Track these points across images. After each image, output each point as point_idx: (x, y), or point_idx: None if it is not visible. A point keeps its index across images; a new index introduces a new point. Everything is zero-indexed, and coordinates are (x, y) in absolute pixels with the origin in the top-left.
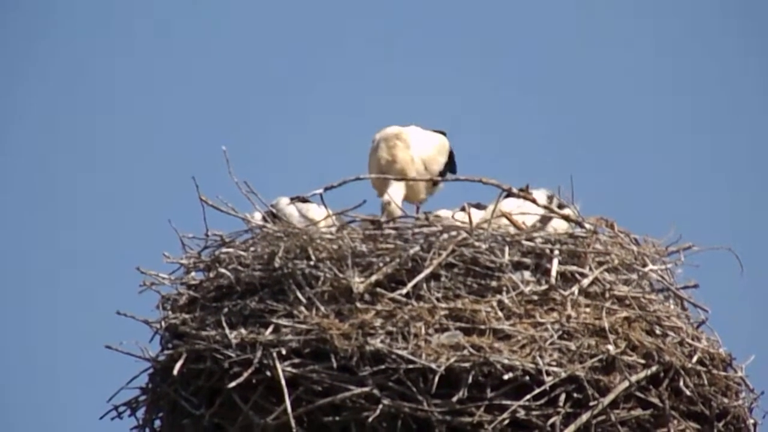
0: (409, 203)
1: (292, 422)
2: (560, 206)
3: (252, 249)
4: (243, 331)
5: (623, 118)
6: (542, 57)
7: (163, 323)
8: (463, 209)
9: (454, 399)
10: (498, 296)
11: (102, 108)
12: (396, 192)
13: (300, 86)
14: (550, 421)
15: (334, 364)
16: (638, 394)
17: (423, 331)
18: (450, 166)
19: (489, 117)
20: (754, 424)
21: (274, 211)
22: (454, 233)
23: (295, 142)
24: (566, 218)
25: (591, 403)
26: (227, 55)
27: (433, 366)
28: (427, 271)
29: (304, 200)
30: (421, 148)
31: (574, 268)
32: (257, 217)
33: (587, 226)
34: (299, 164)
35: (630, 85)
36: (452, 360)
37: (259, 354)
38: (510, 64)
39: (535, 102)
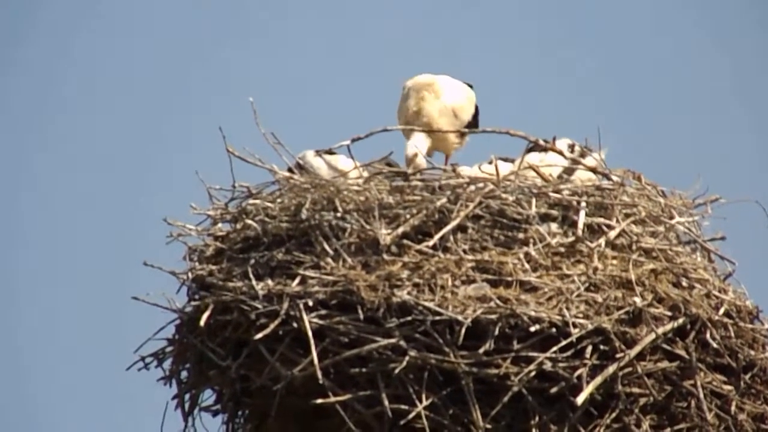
0: (441, 153)
1: (319, 374)
2: (582, 154)
3: (279, 200)
4: (270, 282)
5: (649, 70)
6: (567, 8)
7: (189, 274)
8: (490, 162)
9: (481, 351)
10: (525, 248)
11: (132, 56)
12: (420, 143)
13: (326, 39)
14: (577, 373)
15: (361, 316)
16: (665, 346)
17: (450, 283)
18: (475, 120)
19: (511, 73)
20: None
21: (300, 162)
22: (481, 185)
23: (322, 94)
24: (593, 170)
25: (617, 356)
26: (255, 9)
27: (460, 318)
28: (454, 223)
29: (331, 152)
30: (453, 96)
31: (601, 220)
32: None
33: (614, 178)
34: (326, 116)
35: (654, 34)
36: (479, 312)
37: (285, 305)
38: (532, 17)
39: (557, 55)
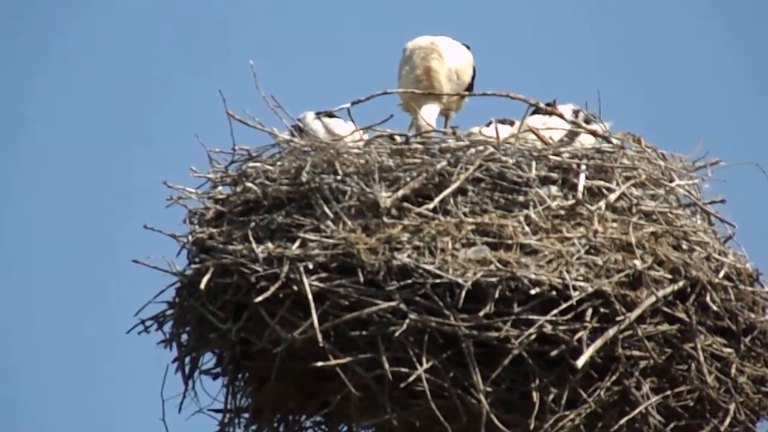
0: (442, 116)
1: (319, 337)
2: (586, 121)
3: (279, 163)
4: (270, 245)
5: (649, 33)
6: None
7: (190, 237)
8: (489, 124)
9: (481, 314)
10: (525, 211)
11: (132, 18)
12: (431, 109)
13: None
14: (577, 336)
15: (361, 279)
16: (665, 309)
17: (450, 245)
18: (472, 81)
19: (510, 33)
20: None
21: (300, 125)
22: (481, 148)
23: (321, 56)
24: (593, 133)
25: (618, 318)
26: None
27: (460, 281)
28: (454, 186)
29: (331, 115)
30: (454, 57)
31: (601, 182)
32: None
33: (614, 141)
34: (326, 79)
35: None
36: (479, 275)
37: (286, 268)
38: None
39: (556, 18)
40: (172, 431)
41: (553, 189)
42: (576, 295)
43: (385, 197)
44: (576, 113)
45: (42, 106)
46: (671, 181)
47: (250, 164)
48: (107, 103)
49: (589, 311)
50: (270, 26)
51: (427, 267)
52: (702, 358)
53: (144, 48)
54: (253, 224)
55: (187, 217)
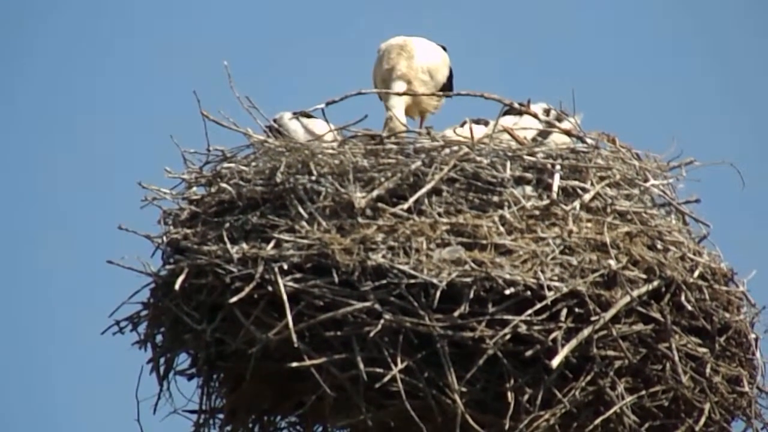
0: (412, 118)
1: (294, 337)
2: (558, 119)
3: (253, 164)
4: (244, 246)
5: (621, 33)
6: None
7: (164, 238)
8: (463, 124)
9: (456, 314)
10: (499, 211)
11: (101, 23)
12: (397, 105)
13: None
14: (552, 336)
15: (336, 279)
16: (640, 308)
17: (424, 246)
18: (449, 82)
19: (485, 37)
20: (756, 339)
21: (275, 126)
22: (455, 148)
23: (297, 57)
24: (567, 133)
25: (592, 318)
26: None
27: (435, 281)
28: (428, 186)
29: (308, 115)
30: (427, 57)
31: (576, 182)
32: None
33: (589, 141)
34: (301, 79)
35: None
36: (454, 275)
37: (260, 269)
38: None
39: (532, 21)
40: None
41: (528, 189)
42: (551, 295)
43: (359, 197)
44: (547, 112)
45: (17, 112)
46: (646, 180)
47: (225, 165)
48: (81, 103)
49: (564, 311)
50: (244, 27)
51: (401, 267)
52: (677, 358)
53: (118, 46)
54: (227, 225)
55: (161, 218)
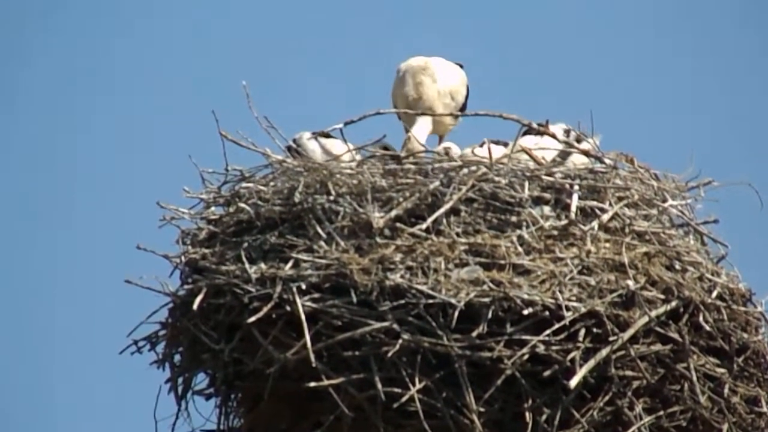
0: (435, 135)
1: (312, 357)
2: (578, 140)
3: (272, 184)
4: (263, 266)
5: (641, 54)
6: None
7: (182, 258)
8: (482, 144)
9: (474, 334)
10: (518, 231)
11: (122, 42)
12: (422, 129)
13: (320, 21)
14: (570, 356)
15: (354, 299)
16: (658, 329)
17: (443, 266)
18: (466, 101)
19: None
20: None
21: (294, 146)
22: (474, 168)
23: (316, 76)
24: (586, 153)
25: (610, 339)
26: None
27: (453, 301)
28: (447, 206)
29: (327, 135)
30: (447, 78)
31: (594, 203)
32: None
33: (607, 161)
34: (320, 99)
35: (648, 18)
36: (472, 295)
37: (278, 289)
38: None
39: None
40: None
41: (546, 209)
42: (569, 316)
43: (377, 217)
44: (567, 132)
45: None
46: (664, 201)
47: (243, 185)
48: (100, 124)
49: (582, 331)
50: (263, 48)
51: (420, 287)
52: (695, 378)
53: (136, 67)
54: (245, 245)
55: (180, 238)
